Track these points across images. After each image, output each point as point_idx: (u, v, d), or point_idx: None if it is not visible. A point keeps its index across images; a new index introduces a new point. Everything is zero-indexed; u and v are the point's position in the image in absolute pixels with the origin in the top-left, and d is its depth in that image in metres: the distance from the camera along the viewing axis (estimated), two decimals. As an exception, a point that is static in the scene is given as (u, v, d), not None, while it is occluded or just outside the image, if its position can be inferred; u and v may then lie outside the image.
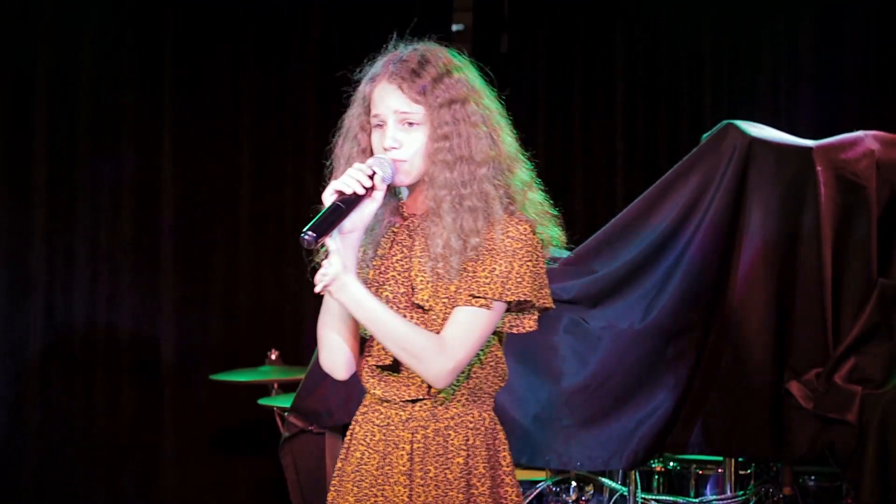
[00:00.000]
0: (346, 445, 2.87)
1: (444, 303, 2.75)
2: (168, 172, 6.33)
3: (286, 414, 4.54)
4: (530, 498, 4.43)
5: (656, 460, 4.55)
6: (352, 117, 2.87)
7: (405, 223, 2.83)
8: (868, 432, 4.03)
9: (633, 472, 4.32)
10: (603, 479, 4.42)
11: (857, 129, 4.43)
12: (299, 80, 6.46)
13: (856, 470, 4.06)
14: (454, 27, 6.52)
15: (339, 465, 2.87)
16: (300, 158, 6.46)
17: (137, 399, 6.28)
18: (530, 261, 2.76)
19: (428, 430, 2.78)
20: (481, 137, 2.78)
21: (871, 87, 6.06)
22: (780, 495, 4.37)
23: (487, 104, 2.82)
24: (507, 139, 2.84)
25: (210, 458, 6.33)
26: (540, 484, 4.44)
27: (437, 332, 2.74)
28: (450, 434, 2.79)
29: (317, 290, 2.67)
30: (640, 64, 6.39)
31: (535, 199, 2.84)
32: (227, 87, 6.42)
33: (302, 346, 6.23)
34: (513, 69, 6.49)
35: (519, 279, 2.75)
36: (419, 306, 2.76)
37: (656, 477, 4.56)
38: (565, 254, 3.28)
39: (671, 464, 4.60)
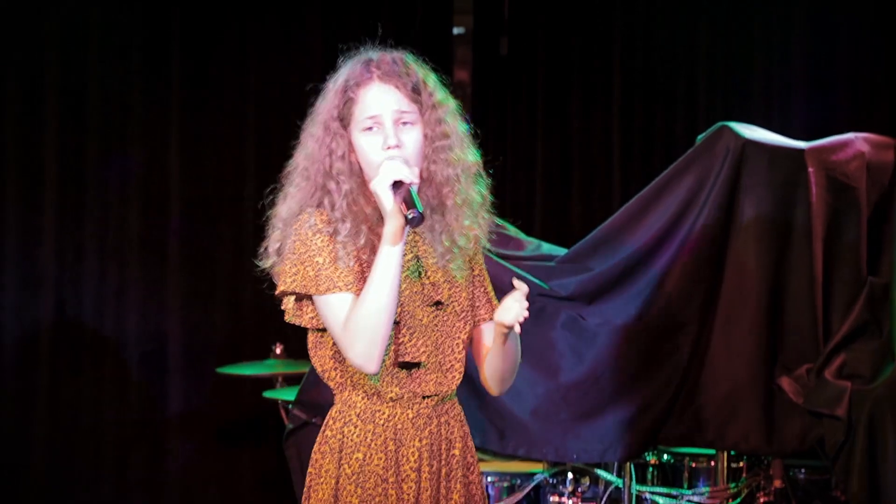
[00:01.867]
0: (335, 448, 2.78)
1: (457, 303, 2.79)
2: (175, 171, 6.33)
3: (290, 406, 4.54)
4: (528, 490, 4.45)
5: (650, 453, 4.57)
6: (319, 124, 2.84)
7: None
8: (857, 427, 4.05)
9: (628, 464, 4.33)
10: (599, 472, 4.43)
11: (848, 132, 4.44)
12: (302, 81, 6.45)
13: (845, 463, 4.07)
14: (455, 30, 6.52)
15: (325, 467, 2.78)
16: (304, 157, 6.47)
17: (144, 392, 6.28)
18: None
19: (433, 426, 2.79)
20: (466, 138, 2.82)
21: (861, 90, 6.07)
22: (771, 488, 4.37)
23: (458, 108, 2.85)
24: (473, 147, 2.86)
25: (216, 449, 6.34)
26: (537, 476, 4.46)
27: (448, 330, 2.78)
28: (451, 426, 2.82)
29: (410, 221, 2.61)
30: (636, 67, 6.40)
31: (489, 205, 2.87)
32: (233, 88, 6.43)
33: (306, 339, 6.23)
34: (512, 71, 6.50)
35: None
36: (437, 303, 2.78)
37: (650, 469, 4.57)
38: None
39: (665, 456, 4.62)
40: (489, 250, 2.92)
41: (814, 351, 4.17)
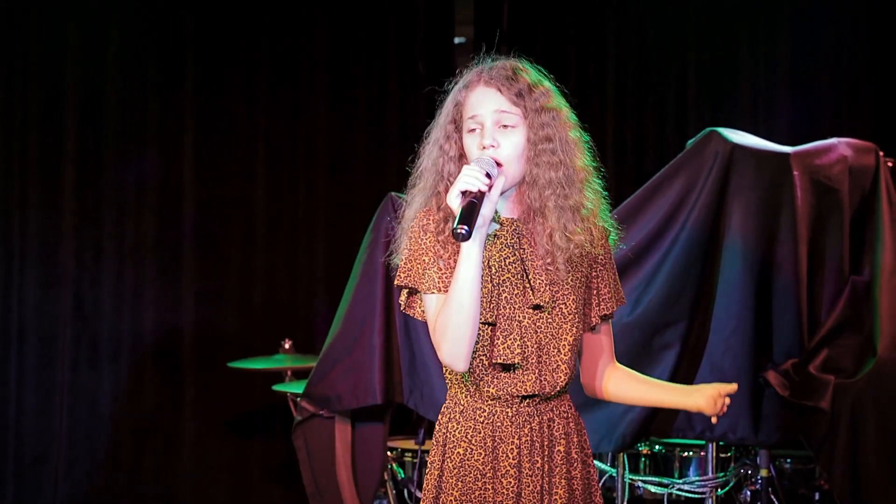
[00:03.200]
0: (440, 442, 2.78)
1: (564, 305, 2.74)
2: (189, 175, 6.33)
3: (299, 399, 4.53)
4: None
5: (643, 444, 4.56)
6: (439, 127, 2.80)
7: (507, 227, 2.76)
8: (840, 419, 4.04)
9: (621, 454, 4.33)
10: (594, 461, 4.42)
11: (831, 137, 4.43)
12: (310, 90, 6.47)
13: (828, 453, 4.07)
14: (456, 40, 6.51)
15: (434, 459, 2.77)
16: (312, 163, 6.47)
17: (159, 384, 6.28)
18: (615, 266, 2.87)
19: (534, 424, 2.75)
20: (577, 144, 2.77)
21: (843, 97, 6.06)
22: (758, 477, 4.37)
23: (573, 116, 2.81)
24: (587, 150, 2.82)
25: (227, 440, 6.34)
26: (535, 465, 4.44)
27: (553, 331, 2.73)
28: (552, 424, 2.77)
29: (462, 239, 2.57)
30: (629, 75, 6.39)
31: (605, 208, 2.84)
32: (244, 96, 6.42)
33: (314, 335, 6.24)
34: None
35: (617, 286, 2.87)
36: (537, 307, 2.73)
37: (643, 459, 4.57)
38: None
39: (657, 447, 4.61)
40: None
41: (799, 346, 4.16)
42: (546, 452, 2.75)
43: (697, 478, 4.41)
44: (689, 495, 4.41)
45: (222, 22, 6.36)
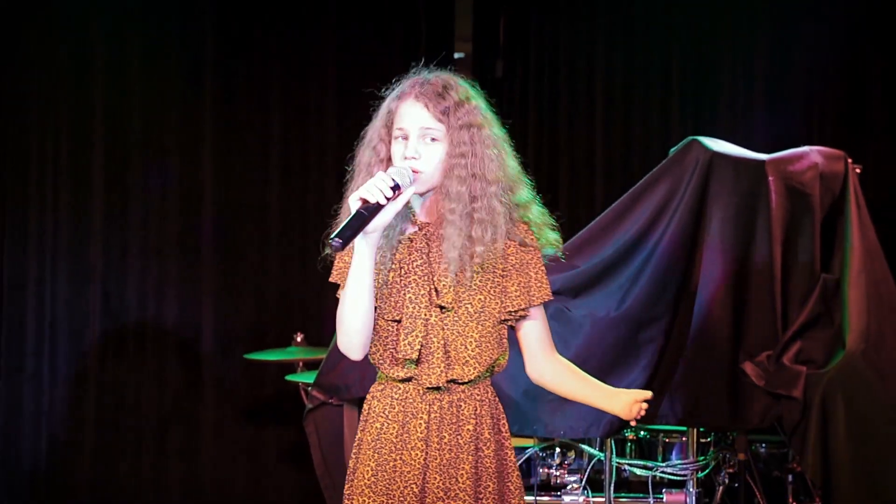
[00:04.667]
0: (363, 419, 2.83)
1: (470, 304, 2.75)
2: (208, 179, 6.33)
3: (310, 388, 4.53)
4: (520, 462, 4.44)
5: (629, 430, 4.56)
6: (374, 129, 2.82)
7: (421, 231, 2.79)
8: (811, 406, 4.03)
9: (608, 439, 4.32)
10: (583, 446, 4.42)
11: (804, 145, 4.44)
12: (320, 99, 6.46)
13: (800, 438, 4.06)
14: (456, 55, 6.51)
15: (358, 436, 2.82)
16: (322, 167, 6.46)
17: (180, 375, 6.28)
18: (542, 263, 2.85)
19: (443, 402, 2.78)
20: (493, 159, 2.77)
21: (815, 108, 6.06)
22: (736, 460, 4.37)
23: (497, 131, 2.82)
24: (512, 162, 2.83)
25: (244, 426, 6.33)
26: (528, 450, 4.44)
27: (459, 329, 2.74)
28: (461, 405, 2.79)
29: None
30: (617, 87, 6.39)
31: (536, 212, 2.86)
32: (259, 105, 6.41)
33: (324, 329, 6.24)
34: (507, 91, 6.49)
35: (539, 283, 2.84)
36: (440, 307, 2.75)
37: (629, 444, 4.56)
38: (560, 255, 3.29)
39: (642, 433, 4.60)
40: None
41: (773, 339, 4.16)
42: (454, 429, 2.77)
43: (679, 461, 4.41)
44: (672, 477, 4.40)
45: (238, 40, 6.36)
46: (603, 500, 4.35)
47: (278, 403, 6.25)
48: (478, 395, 2.82)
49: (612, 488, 4.34)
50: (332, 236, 2.60)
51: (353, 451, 2.84)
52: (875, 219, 4.35)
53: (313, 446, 4.51)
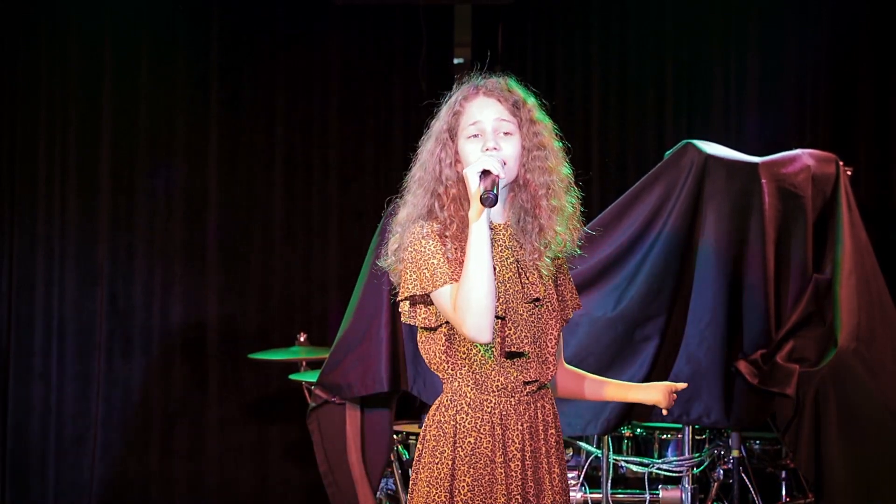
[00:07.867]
0: (448, 434, 2.72)
1: (549, 301, 2.74)
2: (213, 183, 6.32)
3: (313, 387, 4.52)
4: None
5: (626, 427, 4.55)
6: (434, 137, 2.76)
7: (500, 231, 2.75)
8: (804, 404, 4.04)
9: (606, 437, 4.32)
10: (581, 443, 4.41)
11: (796, 148, 4.43)
12: (324, 105, 6.46)
13: (794, 435, 4.07)
14: (455, 60, 6.51)
15: (444, 451, 2.71)
16: (324, 172, 6.45)
17: (186, 373, 6.27)
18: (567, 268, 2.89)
19: (531, 411, 2.74)
20: (560, 154, 2.77)
21: (806, 112, 6.06)
22: (730, 457, 4.36)
23: (556, 129, 2.82)
24: (566, 162, 2.82)
25: (248, 424, 6.32)
26: (527, 446, 4.43)
27: (544, 325, 2.73)
28: (543, 411, 2.76)
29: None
30: (612, 91, 6.39)
31: (578, 216, 2.84)
32: (264, 110, 6.41)
33: (326, 329, 6.23)
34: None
35: (573, 292, 2.88)
36: (535, 300, 2.72)
37: (625, 441, 4.56)
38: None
39: (638, 430, 4.60)
40: (580, 256, 2.88)
41: (767, 338, 4.16)
42: (542, 436, 2.75)
43: (675, 458, 4.41)
44: (668, 474, 4.40)
45: (243, 47, 6.35)
46: (600, 496, 4.34)
47: (282, 402, 6.24)
48: (550, 398, 2.81)
49: (608, 484, 4.33)
50: (483, 191, 2.53)
51: (445, 467, 2.71)
52: (866, 219, 4.35)
53: (316, 444, 4.50)
